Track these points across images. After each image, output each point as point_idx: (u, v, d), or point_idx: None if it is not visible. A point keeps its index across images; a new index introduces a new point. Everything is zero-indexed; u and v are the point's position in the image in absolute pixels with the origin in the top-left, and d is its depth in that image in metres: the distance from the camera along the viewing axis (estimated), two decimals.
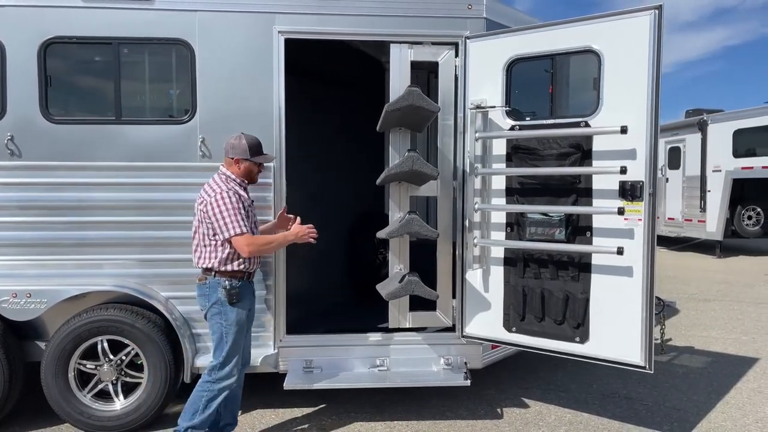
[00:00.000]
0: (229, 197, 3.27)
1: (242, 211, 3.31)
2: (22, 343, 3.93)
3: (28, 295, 3.75)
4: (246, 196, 3.47)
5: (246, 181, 3.51)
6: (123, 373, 3.90)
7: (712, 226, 12.14)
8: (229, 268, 3.36)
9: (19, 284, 3.77)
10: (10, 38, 3.77)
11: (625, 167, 3.36)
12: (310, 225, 3.57)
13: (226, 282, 3.35)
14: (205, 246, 3.37)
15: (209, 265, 3.36)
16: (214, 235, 3.31)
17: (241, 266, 3.39)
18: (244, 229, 3.29)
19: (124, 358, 3.87)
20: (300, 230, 3.53)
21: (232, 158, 3.44)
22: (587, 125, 3.59)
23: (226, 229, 3.26)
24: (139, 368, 3.89)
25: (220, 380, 3.40)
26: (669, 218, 13.58)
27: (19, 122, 3.79)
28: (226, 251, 3.34)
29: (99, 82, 3.97)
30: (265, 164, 3.66)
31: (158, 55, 3.98)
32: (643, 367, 3.46)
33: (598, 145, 3.56)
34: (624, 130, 3.36)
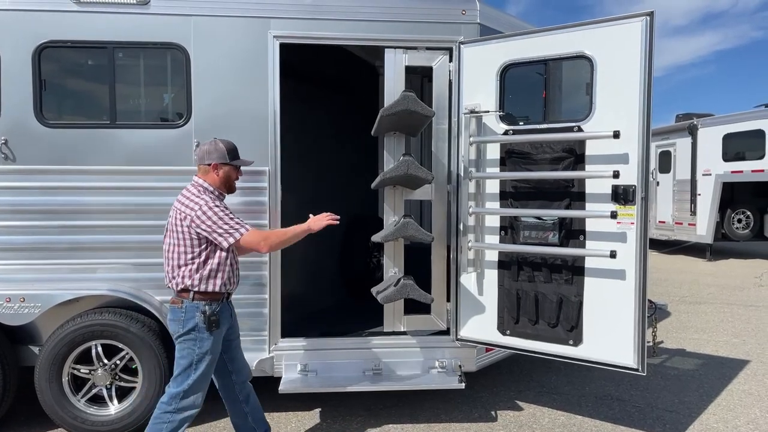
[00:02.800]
0: (216, 204, 3.05)
1: (233, 214, 3.11)
2: (15, 348, 3.91)
3: (22, 300, 3.73)
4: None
5: (224, 193, 3.25)
6: (117, 377, 3.89)
7: (703, 229, 12.25)
8: (210, 288, 3.08)
9: (13, 288, 3.76)
10: (4, 42, 3.76)
11: (618, 171, 3.40)
12: (328, 213, 3.29)
13: (206, 306, 3.07)
14: (179, 266, 3.08)
15: (187, 284, 3.06)
16: (201, 249, 3.05)
17: (222, 287, 3.13)
18: (248, 227, 3.08)
19: (118, 362, 3.86)
20: (316, 218, 3.24)
21: (209, 165, 3.16)
22: (580, 130, 3.62)
23: (230, 234, 3.02)
24: (134, 372, 3.88)
25: (182, 410, 3.08)
26: (660, 221, 13.69)
27: (13, 126, 3.78)
28: (208, 268, 3.07)
29: (94, 86, 3.96)
30: (242, 171, 3.36)
31: (153, 59, 3.98)
32: (636, 370, 3.49)
33: (591, 149, 3.60)
34: (616, 135, 3.40)
